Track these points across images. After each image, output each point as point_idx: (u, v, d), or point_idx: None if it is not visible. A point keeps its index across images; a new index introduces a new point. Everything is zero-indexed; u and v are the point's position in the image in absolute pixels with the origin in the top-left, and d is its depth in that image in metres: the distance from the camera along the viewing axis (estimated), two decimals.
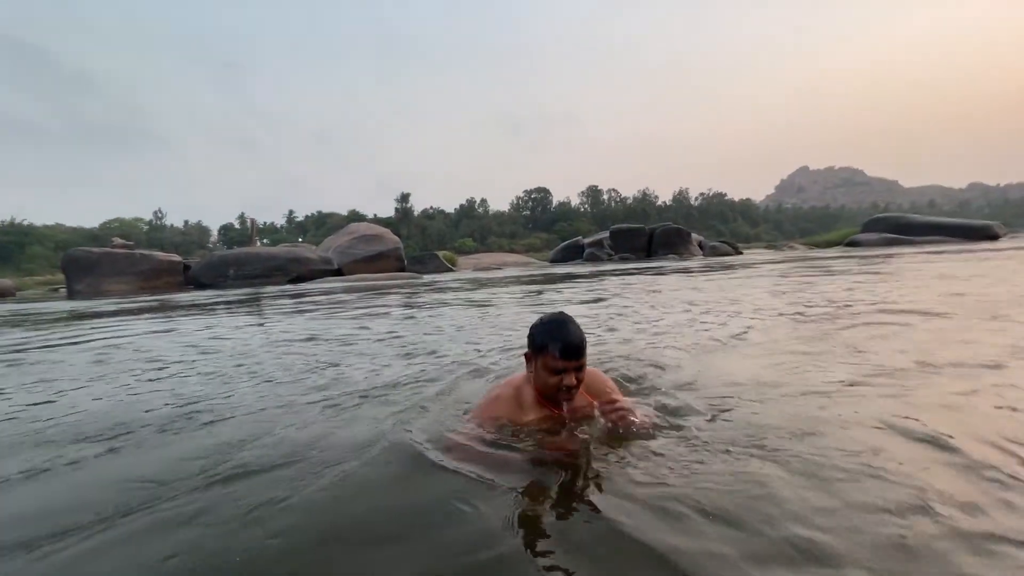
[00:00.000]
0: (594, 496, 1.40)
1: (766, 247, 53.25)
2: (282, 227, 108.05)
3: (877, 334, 3.46)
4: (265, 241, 74.79)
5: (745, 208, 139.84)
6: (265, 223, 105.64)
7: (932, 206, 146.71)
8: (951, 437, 1.68)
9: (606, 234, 36.48)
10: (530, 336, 1.83)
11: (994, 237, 29.44)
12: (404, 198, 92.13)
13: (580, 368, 1.78)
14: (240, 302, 11.04)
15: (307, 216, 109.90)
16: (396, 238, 28.36)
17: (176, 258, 24.31)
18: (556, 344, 1.72)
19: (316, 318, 6.78)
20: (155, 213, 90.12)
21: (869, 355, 2.90)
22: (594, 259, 33.06)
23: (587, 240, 37.82)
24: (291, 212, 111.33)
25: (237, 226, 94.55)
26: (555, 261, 36.30)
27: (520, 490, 1.46)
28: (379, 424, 2.09)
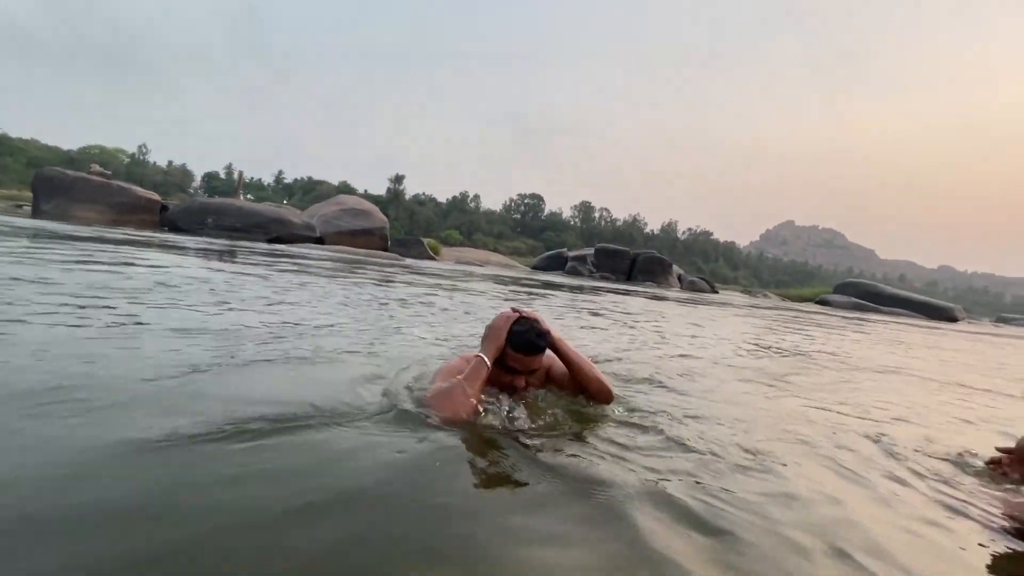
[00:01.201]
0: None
1: (742, 291, 54.53)
2: (269, 186, 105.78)
3: (801, 371, 3.65)
4: (249, 197, 73.07)
5: (728, 251, 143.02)
6: (252, 178, 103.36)
7: (903, 280, 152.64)
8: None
9: (591, 251, 36.84)
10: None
11: (953, 319, 30.86)
12: (398, 179, 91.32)
13: (533, 372, 1.81)
14: (242, 256, 10.80)
15: (296, 179, 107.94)
16: (384, 217, 28.15)
17: (155, 196, 23.61)
18: (516, 342, 1.75)
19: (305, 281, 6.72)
20: (139, 148, 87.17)
21: (791, 385, 3.07)
22: (575, 273, 33.35)
23: (572, 253, 38.15)
24: (280, 173, 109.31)
25: (223, 176, 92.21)
26: (537, 268, 36.47)
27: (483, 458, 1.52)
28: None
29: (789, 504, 1.45)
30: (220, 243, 15.37)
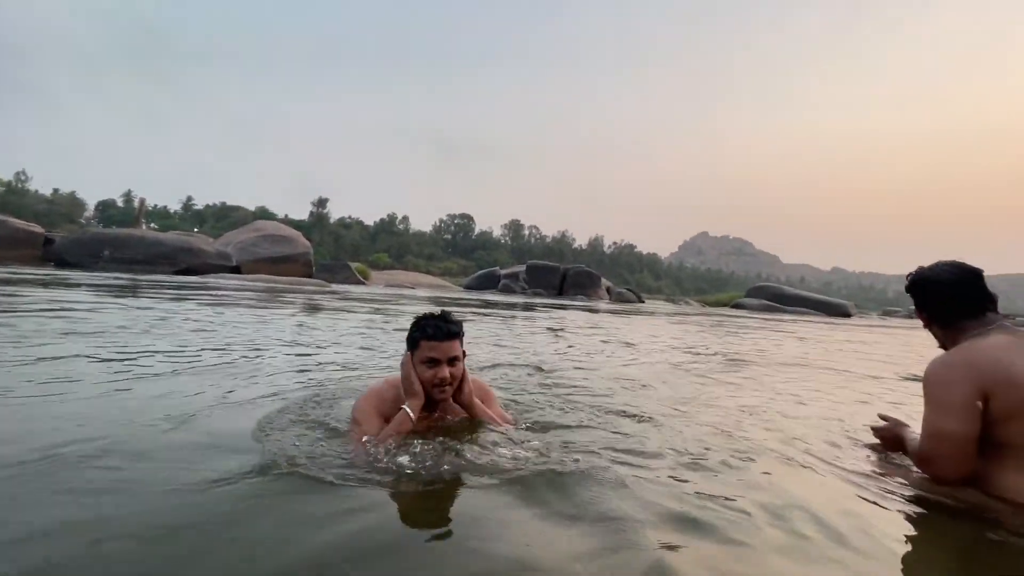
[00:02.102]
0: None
1: (666, 299, 57.47)
2: (176, 213, 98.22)
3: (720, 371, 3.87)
4: (153, 226, 67.42)
5: (652, 262, 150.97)
6: (156, 206, 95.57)
7: (803, 281, 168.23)
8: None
9: (523, 268, 37.33)
10: (407, 337, 1.87)
11: (847, 315, 34.30)
12: (321, 203, 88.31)
13: (454, 360, 1.81)
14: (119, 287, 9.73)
15: (208, 206, 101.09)
16: (307, 242, 26.90)
17: (37, 228, 21.07)
18: (429, 330, 1.78)
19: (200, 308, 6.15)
20: (17, 175, 77.76)
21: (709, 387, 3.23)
22: (509, 290, 33.57)
23: (504, 271, 38.43)
24: (189, 199, 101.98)
25: (120, 204, 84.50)
26: (471, 288, 36.35)
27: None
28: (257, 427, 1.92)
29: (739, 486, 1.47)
30: (119, 278, 13.92)
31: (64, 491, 1.33)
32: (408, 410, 1.77)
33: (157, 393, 2.35)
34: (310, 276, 24.51)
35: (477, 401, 1.93)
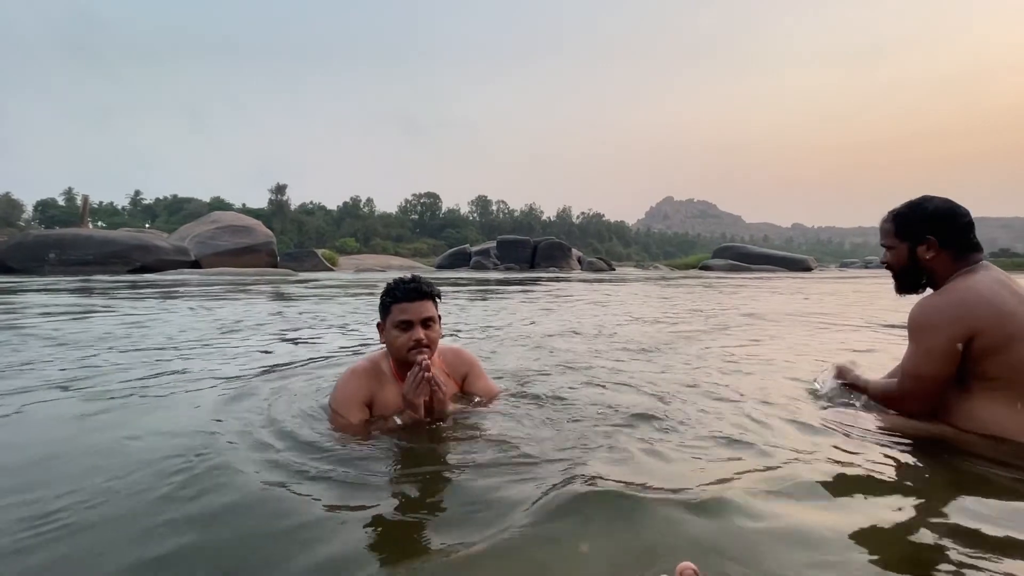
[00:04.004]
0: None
1: (635, 265, 58.37)
2: (125, 209, 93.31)
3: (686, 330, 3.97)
4: (100, 224, 63.87)
5: (620, 230, 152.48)
6: (101, 203, 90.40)
7: (766, 240, 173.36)
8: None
9: (493, 244, 37.17)
10: (379, 304, 1.81)
11: (808, 269, 35.62)
12: (280, 189, 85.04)
13: (429, 322, 1.74)
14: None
15: (158, 199, 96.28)
16: (268, 231, 26.01)
17: None
18: (399, 292, 1.73)
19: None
20: None
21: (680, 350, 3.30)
22: (481, 267, 33.44)
23: (474, 249, 38.20)
24: (138, 193, 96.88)
25: (62, 203, 79.44)
26: (441, 267, 36.04)
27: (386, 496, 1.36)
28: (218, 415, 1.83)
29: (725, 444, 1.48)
30: (68, 281, 13.18)
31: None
32: (398, 421, 1.71)
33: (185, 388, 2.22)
34: (275, 266, 23.79)
35: (451, 407, 1.84)
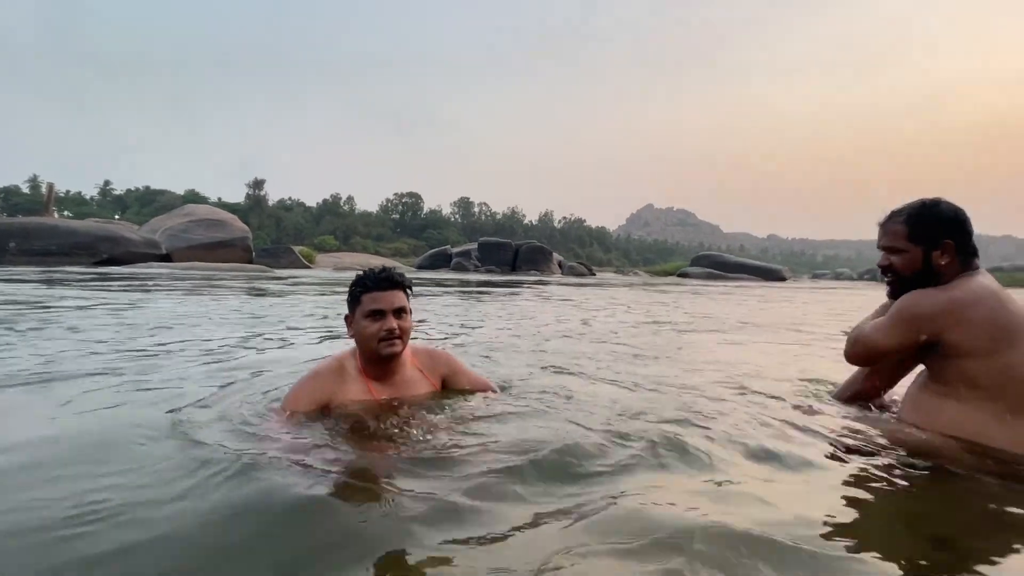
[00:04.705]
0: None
1: (615, 271, 58.87)
2: (93, 199, 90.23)
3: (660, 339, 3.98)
4: (67, 213, 61.57)
5: (600, 235, 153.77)
6: (68, 192, 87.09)
7: (742, 249, 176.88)
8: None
9: (474, 246, 37.03)
10: (348, 295, 1.75)
11: (783, 279, 36.44)
12: (258, 184, 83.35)
13: (401, 312, 1.69)
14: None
15: (130, 190, 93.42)
16: (244, 226, 25.41)
17: None
18: (369, 282, 1.67)
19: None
20: None
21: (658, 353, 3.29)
22: (461, 268, 33.28)
23: (455, 250, 38.01)
24: (107, 183, 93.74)
25: (26, 191, 76.31)
26: (422, 267, 35.76)
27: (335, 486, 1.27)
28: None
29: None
30: (30, 272, 12.61)
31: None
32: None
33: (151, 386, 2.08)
34: (250, 262, 23.23)
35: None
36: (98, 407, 1.94)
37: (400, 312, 1.69)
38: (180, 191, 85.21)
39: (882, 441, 1.65)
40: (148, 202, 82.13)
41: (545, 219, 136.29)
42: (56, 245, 18.71)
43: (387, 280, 1.68)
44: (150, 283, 9.53)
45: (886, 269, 1.67)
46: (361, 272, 1.74)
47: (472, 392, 1.93)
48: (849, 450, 1.61)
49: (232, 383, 2.26)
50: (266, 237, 65.31)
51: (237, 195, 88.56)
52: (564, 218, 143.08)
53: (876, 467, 1.50)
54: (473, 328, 4.84)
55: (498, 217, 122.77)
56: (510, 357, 3.23)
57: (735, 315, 7.24)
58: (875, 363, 1.75)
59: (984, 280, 1.54)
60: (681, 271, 38.79)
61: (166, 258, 21.18)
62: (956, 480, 1.43)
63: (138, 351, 3.05)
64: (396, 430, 1.59)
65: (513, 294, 10.53)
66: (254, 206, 79.00)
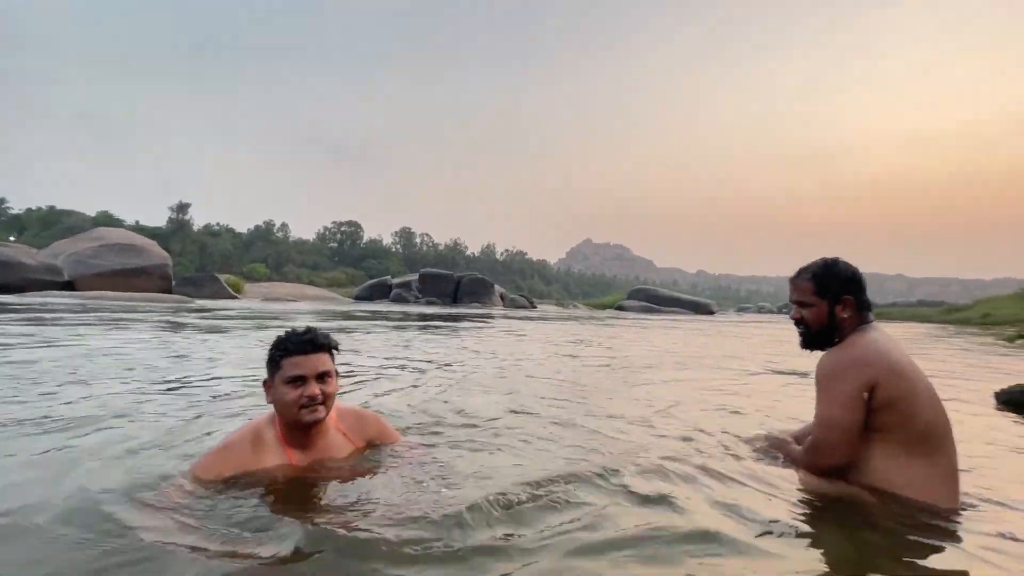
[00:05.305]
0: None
1: (555, 303, 59.84)
2: None
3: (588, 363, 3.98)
4: None
5: (542, 268, 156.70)
6: None
7: (675, 284, 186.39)
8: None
9: (415, 277, 36.50)
10: (267, 360, 1.59)
11: (711, 312, 38.54)
12: (182, 208, 78.15)
13: (325, 376, 1.58)
14: None
15: (30, 210, 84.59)
16: (164, 253, 23.55)
17: None
18: (290, 345, 1.56)
19: None
20: None
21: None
22: (401, 300, 32.56)
23: (396, 281, 37.30)
24: (2, 202, 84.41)
25: None
26: (360, 298, 34.67)
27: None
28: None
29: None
30: None
31: None
32: None
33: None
34: (168, 291, 21.49)
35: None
36: None
37: (323, 377, 1.58)
38: (91, 212, 77.98)
39: (793, 486, 1.75)
40: (51, 224, 74.52)
41: (488, 251, 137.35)
42: None
43: (310, 343, 1.56)
44: (47, 317, 8.47)
45: (798, 321, 1.83)
46: (282, 334, 1.60)
47: (397, 454, 1.82)
48: (758, 493, 1.72)
49: (133, 441, 1.94)
50: (189, 264, 61.14)
51: (158, 219, 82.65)
52: (506, 250, 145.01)
53: (785, 513, 1.58)
54: (408, 366, 4.58)
55: (440, 248, 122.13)
56: (441, 399, 3.04)
57: (687, 350, 7.42)
58: (847, 447, 1.65)
59: (879, 335, 1.70)
60: (618, 304, 40.02)
61: (69, 286, 19.16)
62: (858, 524, 1.51)
63: (20, 402, 2.58)
64: (311, 501, 1.46)
65: (451, 329, 10.31)
66: (177, 231, 73.87)
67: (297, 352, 1.55)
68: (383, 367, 4.46)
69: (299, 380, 1.53)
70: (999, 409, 3.55)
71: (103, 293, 18.16)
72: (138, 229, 55.43)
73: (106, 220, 67.28)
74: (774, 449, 2.05)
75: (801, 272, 1.83)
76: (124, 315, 9.68)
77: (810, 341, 1.81)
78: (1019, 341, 11.44)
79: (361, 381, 3.68)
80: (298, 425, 1.56)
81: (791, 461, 1.92)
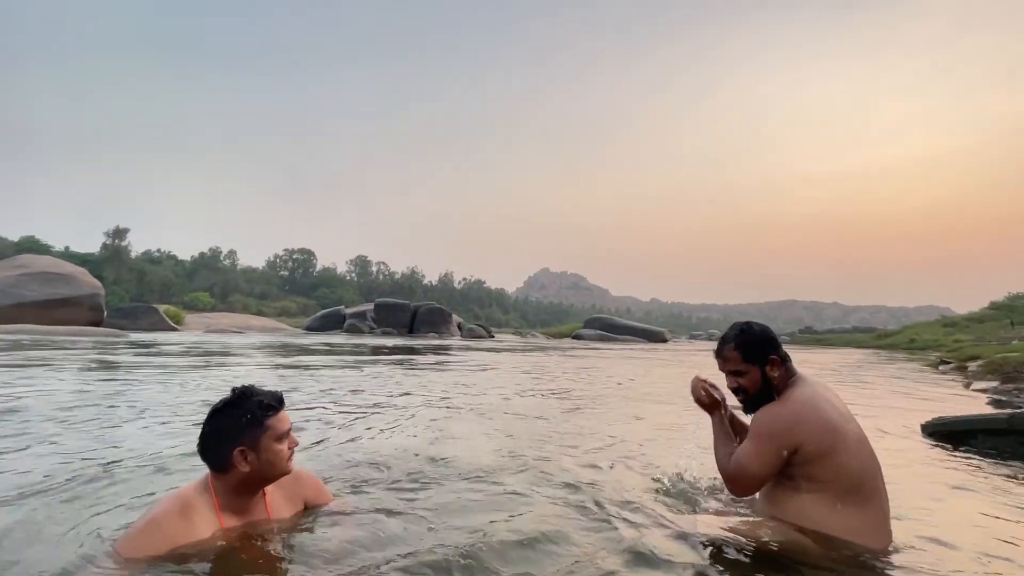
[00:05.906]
0: None
1: (514, 332, 59.87)
2: None
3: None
4: None
5: (500, 297, 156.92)
6: None
7: (629, 312, 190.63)
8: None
9: (371, 306, 35.76)
10: (233, 427, 1.48)
11: (664, 340, 39.57)
12: (119, 233, 73.66)
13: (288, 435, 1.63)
14: None
15: None
16: (96, 281, 22.09)
17: None
18: (275, 403, 1.56)
19: None
20: None
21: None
22: (355, 330, 31.70)
23: (350, 311, 36.42)
24: None
25: None
26: (311, 329, 33.53)
27: None
28: None
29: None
30: None
31: None
32: None
33: None
34: (99, 324, 20.07)
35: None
36: None
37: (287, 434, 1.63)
38: (14, 238, 72.29)
39: (733, 532, 1.78)
40: None
41: (445, 280, 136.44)
42: None
43: (281, 399, 1.60)
44: None
45: (736, 390, 1.89)
46: (254, 399, 1.54)
47: (332, 515, 1.77)
48: (706, 543, 1.73)
49: (42, 515, 1.73)
50: (125, 294, 57.35)
51: (92, 244, 77.47)
52: (464, 279, 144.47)
53: (728, 558, 1.63)
54: (345, 408, 4.41)
55: (397, 277, 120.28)
56: (389, 444, 2.93)
57: (644, 381, 7.51)
58: (751, 490, 1.84)
59: (811, 391, 1.79)
60: (575, 333, 40.49)
61: None
62: (800, 568, 1.57)
63: None
64: (247, 571, 1.37)
65: (401, 361, 10.07)
66: (112, 257, 69.36)
67: (279, 407, 1.58)
68: (320, 415, 4.27)
69: (286, 434, 1.58)
70: (924, 440, 3.78)
71: (23, 327, 16.72)
72: (68, 256, 51.86)
73: (31, 245, 62.28)
74: (713, 409, 1.99)
75: (723, 344, 1.90)
76: (39, 352, 8.89)
77: (754, 404, 1.87)
78: (942, 367, 12.34)
79: (297, 431, 3.50)
80: (270, 481, 1.57)
81: (714, 437, 1.94)
